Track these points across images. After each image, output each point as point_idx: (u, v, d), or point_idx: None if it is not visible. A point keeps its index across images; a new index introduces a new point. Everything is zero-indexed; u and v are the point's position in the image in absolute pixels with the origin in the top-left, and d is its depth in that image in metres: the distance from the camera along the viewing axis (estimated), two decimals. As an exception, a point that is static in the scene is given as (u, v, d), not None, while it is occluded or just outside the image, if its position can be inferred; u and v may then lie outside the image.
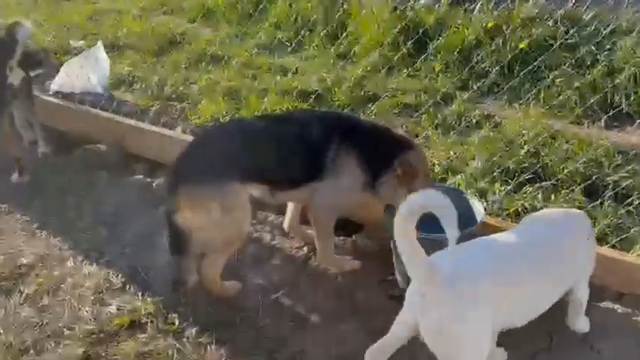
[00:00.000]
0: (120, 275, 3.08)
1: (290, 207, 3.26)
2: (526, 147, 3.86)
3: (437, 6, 5.66)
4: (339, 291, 2.95)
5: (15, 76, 3.82)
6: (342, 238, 3.28)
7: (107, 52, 5.01)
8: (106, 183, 3.88)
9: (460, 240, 2.71)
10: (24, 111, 4.06)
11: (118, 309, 2.88)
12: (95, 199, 3.74)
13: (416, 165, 2.82)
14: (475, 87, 4.74)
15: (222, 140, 2.87)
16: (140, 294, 2.96)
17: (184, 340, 2.69)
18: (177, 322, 2.79)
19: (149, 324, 2.78)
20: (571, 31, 4.79)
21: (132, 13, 6.94)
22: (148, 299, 2.91)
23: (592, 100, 4.21)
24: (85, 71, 4.77)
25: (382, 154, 2.84)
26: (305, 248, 3.23)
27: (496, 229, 2.97)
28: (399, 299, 2.86)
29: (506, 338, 2.33)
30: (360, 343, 2.61)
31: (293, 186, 2.89)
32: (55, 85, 4.82)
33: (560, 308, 2.69)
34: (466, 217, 2.87)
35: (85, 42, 6.03)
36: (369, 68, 5.27)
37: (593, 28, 4.85)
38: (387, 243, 3.01)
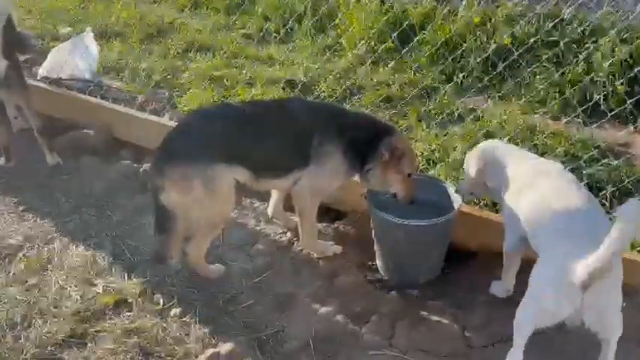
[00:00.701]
0: (106, 256, 3.15)
1: (274, 194, 3.34)
2: (505, 140, 3.97)
3: (423, 0, 5.76)
4: (321, 275, 3.04)
5: None
6: (324, 224, 3.36)
7: (96, 40, 5.02)
8: (92, 167, 3.93)
9: (439, 226, 2.86)
10: (13, 98, 4.00)
11: (104, 289, 2.95)
12: (82, 182, 3.79)
13: (401, 147, 2.91)
14: (459, 81, 4.86)
15: (209, 122, 2.91)
16: (126, 275, 3.03)
17: (169, 319, 2.77)
18: (162, 302, 2.86)
19: (134, 303, 2.85)
20: (551, 28, 4.91)
21: (121, 1, 6.94)
22: (134, 280, 2.99)
23: (569, 96, 4.35)
24: (73, 57, 4.79)
25: (366, 140, 2.93)
26: (288, 234, 3.32)
27: (473, 218, 3.09)
28: (377, 283, 3.01)
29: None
30: (339, 325, 2.73)
31: (277, 173, 2.96)
32: (43, 70, 4.84)
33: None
34: (445, 205, 2.99)
35: (74, 29, 6.04)
36: (355, 60, 5.36)
37: (574, 26, 4.97)
38: (367, 230, 3.11)
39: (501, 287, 2.83)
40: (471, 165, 2.81)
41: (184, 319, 2.77)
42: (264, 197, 3.48)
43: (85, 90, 4.55)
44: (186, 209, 2.80)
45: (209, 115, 3.06)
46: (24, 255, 3.18)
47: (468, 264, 3.08)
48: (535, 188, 2.51)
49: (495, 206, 3.25)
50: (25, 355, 2.58)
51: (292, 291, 2.94)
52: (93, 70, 4.89)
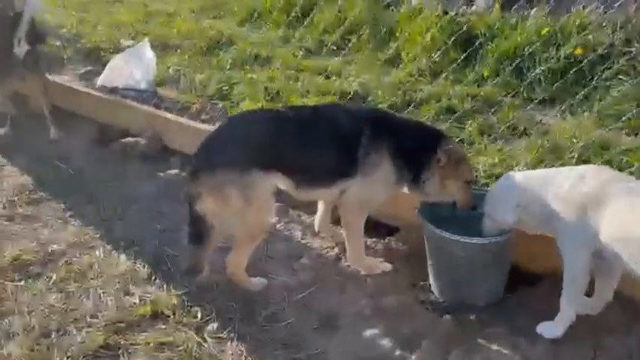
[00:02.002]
0: (147, 266, 3.04)
1: (321, 206, 3.17)
2: (576, 155, 3.65)
3: (489, 11, 5.50)
4: (368, 293, 2.82)
5: (21, 49, 4.13)
6: (373, 239, 3.15)
7: (156, 52, 5.04)
8: (141, 175, 3.88)
9: (499, 243, 2.60)
10: (29, 84, 4.38)
11: (140, 299, 2.83)
12: (128, 189, 3.74)
13: (459, 152, 2.69)
14: (525, 94, 4.57)
15: (247, 127, 2.77)
16: (165, 285, 2.90)
17: (205, 334, 2.61)
18: (199, 316, 2.71)
19: (171, 316, 2.71)
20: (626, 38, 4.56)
21: (182, 16, 7.02)
22: (172, 291, 2.85)
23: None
24: (130, 67, 4.81)
25: (417, 148, 2.72)
26: (336, 249, 3.12)
27: (537, 237, 2.80)
28: (429, 305, 2.76)
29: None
30: (385, 349, 2.50)
31: (319, 183, 2.78)
32: (101, 80, 4.88)
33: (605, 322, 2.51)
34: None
35: (136, 41, 6.11)
36: (414, 72, 5.15)
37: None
38: (420, 247, 2.88)
39: (561, 323, 2.50)
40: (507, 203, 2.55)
41: (221, 334, 2.60)
42: (312, 210, 3.30)
43: (140, 99, 4.54)
44: (223, 219, 2.66)
45: (247, 120, 2.91)
46: (66, 262, 3.11)
47: (532, 288, 2.78)
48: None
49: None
50: (57, 364, 2.48)
51: (336, 309, 2.73)
52: (149, 80, 4.88)
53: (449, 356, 2.44)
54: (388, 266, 2.94)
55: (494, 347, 2.47)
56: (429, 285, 2.86)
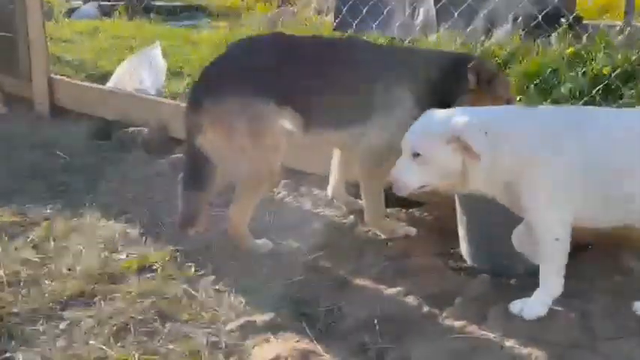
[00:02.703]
0: (139, 228, 2.69)
1: (334, 171, 2.82)
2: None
3: (510, 40, 5.40)
4: (389, 256, 2.44)
5: None
6: (396, 209, 2.79)
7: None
8: (141, 160, 3.59)
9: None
10: None
11: (127, 255, 2.46)
12: (129, 171, 3.43)
13: (490, 68, 2.39)
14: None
15: (257, 52, 2.47)
16: (155, 245, 2.54)
17: (199, 286, 2.23)
18: (192, 270, 2.34)
19: (159, 269, 2.34)
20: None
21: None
22: (164, 248, 2.49)
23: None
24: (140, 71, 4.64)
25: (444, 76, 2.43)
26: (351, 216, 2.76)
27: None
28: (463, 272, 2.38)
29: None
30: (411, 306, 2.10)
31: (334, 121, 2.44)
32: (111, 83, 4.70)
33: None
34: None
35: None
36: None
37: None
38: (448, 219, 2.53)
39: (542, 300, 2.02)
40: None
41: (217, 286, 2.22)
42: (324, 184, 2.96)
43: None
44: (226, 156, 2.33)
45: (258, 44, 2.59)
46: (48, 224, 2.77)
47: (580, 256, 2.39)
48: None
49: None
50: (19, 311, 2.09)
51: (354, 269, 2.35)
52: (159, 85, 4.70)
53: (489, 313, 2.03)
54: (412, 230, 2.56)
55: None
56: (460, 252, 2.48)
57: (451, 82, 2.41)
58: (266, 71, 2.35)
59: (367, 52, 2.56)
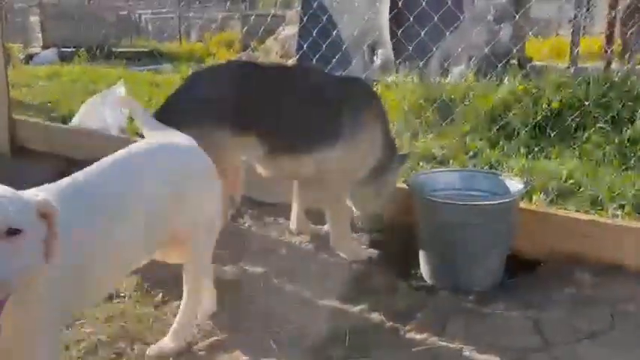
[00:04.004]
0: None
1: (295, 205, 2.92)
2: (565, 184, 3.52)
3: (463, 80, 5.65)
4: (353, 277, 2.51)
5: None
6: (360, 233, 2.88)
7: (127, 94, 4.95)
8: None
9: (493, 211, 2.38)
10: None
11: (94, 284, 2.47)
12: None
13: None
14: (505, 147, 4.55)
15: (219, 81, 2.49)
16: (124, 274, 2.55)
17: (167, 310, 2.25)
18: (161, 296, 2.36)
19: (128, 296, 2.35)
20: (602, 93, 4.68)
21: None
22: (132, 275, 2.50)
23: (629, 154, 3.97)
24: (103, 111, 4.68)
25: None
26: (316, 242, 2.83)
27: (537, 216, 2.61)
28: (424, 290, 2.47)
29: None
30: (375, 322, 2.18)
31: (297, 149, 2.49)
32: (74, 121, 4.72)
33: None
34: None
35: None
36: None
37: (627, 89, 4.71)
38: (411, 241, 2.63)
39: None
40: None
41: (185, 310, 2.24)
42: (289, 213, 3.03)
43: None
44: None
45: (217, 72, 2.61)
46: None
47: (534, 273, 2.52)
48: None
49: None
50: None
51: (319, 290, 2.40)
52: (121, 126, 4.73)
53: (448, 324, 2.12)
54: (375, 252, 2.65)
55: (501, 314, 2.16)
56: (421, 273, 2.57)
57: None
58: (225, 100, 2.38)
59: (324, 79, 2.67)
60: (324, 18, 6.68)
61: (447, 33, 5.84)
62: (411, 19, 5.31)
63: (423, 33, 5.16)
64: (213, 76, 2.56)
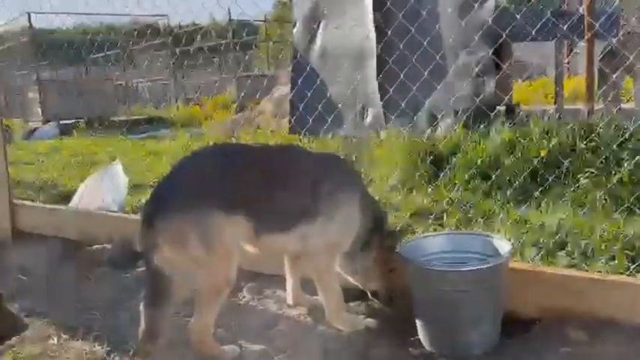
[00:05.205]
0: (105, 346, 2.74)
1: (288, 278, 2.99)
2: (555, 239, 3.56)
3: (452, 132, 5.76)
4: (353, 350, 2.53)
5: None
6: (357, 302, 2.92)
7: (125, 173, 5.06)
8: (107, 277, 3.64)
9: (485, 274, 2.42)
10: None
11: (95, 373, 2.50)
12: (94, 289, 3.48)
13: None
14: (499, 196, 4.62)
15: (205, 165, 2.59)
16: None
17: None
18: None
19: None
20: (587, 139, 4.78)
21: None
22: (134, 362, 2.53)
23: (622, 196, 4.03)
24: (101, 190, 4.78)
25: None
26: (314, 315, 2.86)
27: (526, 274, 2.65)
28: (425, 358, 2.49)
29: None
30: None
31: (282, 225, 2.58)
32: (73, 202, 4.81)
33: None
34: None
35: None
36: (385, 189, 5.21)
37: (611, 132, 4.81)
38: (407, 306, 2.66)
39: None
40: None
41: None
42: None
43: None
44: (184, 268, 2.43)
45: (202, 157, 2.71)
46: (13, 351, 2.78)
47: (529, 332, 2.54)
48: None
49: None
50: None
51: (319, 365, 2.43)
52: (120, 203, 4.83)
53: None
54: (372, 322, 2.68)
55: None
56: (419, 339, 2.59)
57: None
58: (211, 183, 2.47)
59: (307, 158, 2.78)
60: (318, 79, 6.90)
61: (437, 88, 6.02)
62: (402, 75, 5.50)
63: (414, 88, 5.31)
64: (197, 162, 2.65)
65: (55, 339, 2.88)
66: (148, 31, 19.64)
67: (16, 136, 11.84)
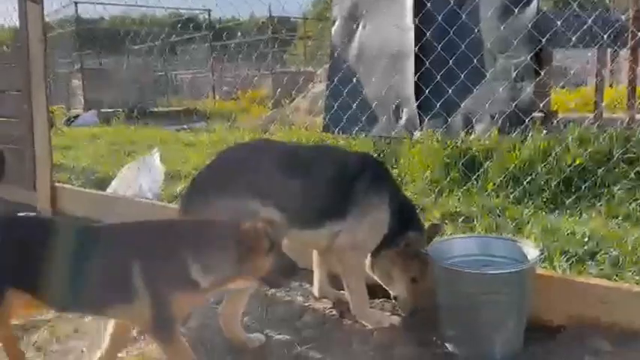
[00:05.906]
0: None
1: (316, 271, 3.05)
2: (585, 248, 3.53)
3: (488, 136, 5.73)
4: (376, 346, 2.57)
5: None
6: (381, 299, 2.95)
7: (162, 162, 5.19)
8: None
9: (512, 278, 2.43)
10: None
11: (127, 354, 2.59)
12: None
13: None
14: (530, 203, 4.59)
15: (244, 158, 2.70)
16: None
17: (193, 381, 2.35)
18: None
19: (160, 369, 2.46)
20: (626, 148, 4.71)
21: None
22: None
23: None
24: (138, 178, 4.91)
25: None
26: (340, 309, 2.91)
27: (553, 282, 2.66)
28: (447, 359, 2.51)
29: None
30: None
31: (311, 221, 2.65)
32: (111, 188, 4.96)
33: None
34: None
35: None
36: (417, 191, 5.21)
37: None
38: (429, 307, 2.69)
39: None
40: None
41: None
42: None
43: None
44: None
45: (242, 150, 2.86)
46: (50, 326, 2.90)
47: (554, 339, 2.54)
48: None
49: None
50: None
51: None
52: (155, 192, 4.95)
53: None
54: (397, 319, 2.72)
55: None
56: (443, 338, 2.62)
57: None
58: (249, 174, 2.57)
59: (341, 158, 2.84)
60: (354, 78, 6.92)
61: (473, 91, 6.00)
62: (438, 77, 5.50)
63: (450, 90, 5.32)
64: (236, 155, 2.78)
65: (89, 318, 2.98)
66: (191, 25, 19.97)
67: (58, 122, 12.14)
